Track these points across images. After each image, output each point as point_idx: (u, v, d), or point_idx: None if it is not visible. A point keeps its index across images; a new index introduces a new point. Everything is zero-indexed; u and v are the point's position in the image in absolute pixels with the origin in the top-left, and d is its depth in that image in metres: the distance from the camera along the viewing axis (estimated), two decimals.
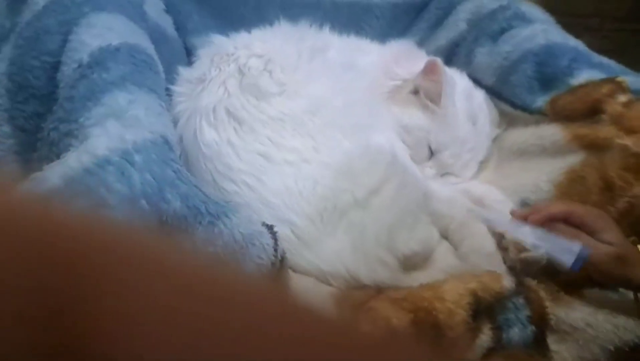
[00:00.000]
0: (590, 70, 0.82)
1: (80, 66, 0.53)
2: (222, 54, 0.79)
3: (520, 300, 0.58)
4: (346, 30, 0.93)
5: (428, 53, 0.96)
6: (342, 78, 0.81)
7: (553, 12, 1.29)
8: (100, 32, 0.57)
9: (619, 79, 0.79)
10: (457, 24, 0.97)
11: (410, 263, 0.74)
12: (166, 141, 0.48)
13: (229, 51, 0.79)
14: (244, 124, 0.72)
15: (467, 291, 0.57)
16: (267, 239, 0.56)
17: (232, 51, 0.79)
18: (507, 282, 0.60)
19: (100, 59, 0.53)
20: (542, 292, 0.61)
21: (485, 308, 0.57)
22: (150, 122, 0.48)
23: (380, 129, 0.80)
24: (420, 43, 1.01)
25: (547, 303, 0.60)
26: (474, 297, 0.57)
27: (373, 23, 1.00)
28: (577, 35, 1.38)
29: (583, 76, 0.82)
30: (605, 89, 0.78)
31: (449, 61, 0.97)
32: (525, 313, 0.58)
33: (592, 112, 0.79)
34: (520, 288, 0.60)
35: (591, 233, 0.61)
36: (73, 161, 0.44)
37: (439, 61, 0.84)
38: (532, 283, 0.62)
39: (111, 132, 0.45)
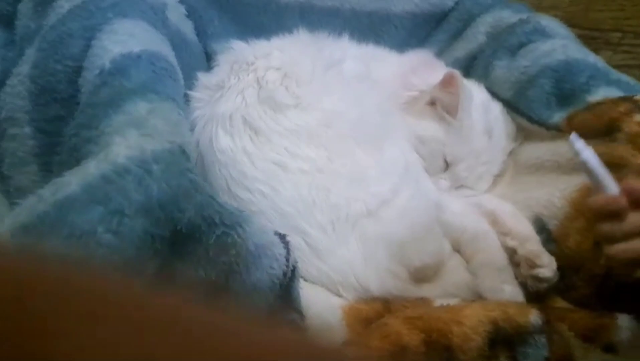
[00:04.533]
0: (608, 87, 0.82)
1: (101, 72, 0.54)
2: (241, 62, 0.80)
3: (542, 339, 0.57)
4: (365, 38, 0.93)
5: (446, 64, 0.96)
6: (357, 89, 0.82)
7: (574, 25, 1.28)
8: (122, 38, 0.58)
9: (637, 97, 0.78)
10: (476, 37, 0.97)
11: (421, 274, 0.74)
12: (183, 151, 0.49)
13: (249, 60, 0.80)
14: (260, 133, 0.73)
15: (488, 319, 0.56)
16: (280, 249, 0.56)
17: (252, 60, 0.80)
18: (534, 318, 0.58)
19: (122, 66, 0.54)
20: (572, 340, 0.58)
21: (504, 338, 0.57)
22: (168, 131, 0.49)
23: (395, 140, 0.81)
24: (439, 54, 1.01)
25: (576, 353, 0.58)
26: (494, 326, 0.56)
27: (392, 32, 1.00)
28: (597, 49, 1.38)
29: (601, 93, 0.81)
30: (622, 107, 0.77)
31: (467, 72, 0.97)
32: (543, 353, 0.56)
33: (609, 130, 0.78)
34: (545, 326, 0.58)
35: None
36: (93, 168, 0.45)
37: (457, 73, 0.84)
38: (563, 327, 0.60)
39: (131, 142, 0.46)
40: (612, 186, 0.58)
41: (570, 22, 1.28)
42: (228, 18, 0.90)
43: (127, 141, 0.46)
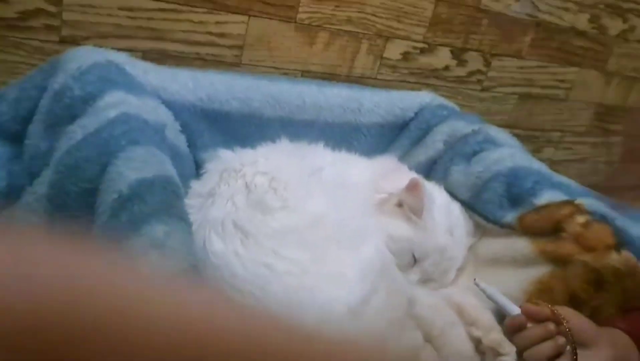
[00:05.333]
0: (552, 191, 0.94)
1: (120, 196, 0.62)
2: (230, 170, 0.89)
3: None
4: (338, 145, 1.04)
5: (409, 167, 1.08)
6: (337, 194, 0.91)
7: (519, 127, 1.44)
8: (136, 165, 0.66)
9: (578, 201, 0.91)
10: (434, 144, 1.10)
11: None
12: (195, 268, 0.56)
13: (236, 167, 0.89)
14: (250, 236, 0.80)
15: None
16: None
17: (239, 167, 0.89)
18: None
19: (138, 191, 0.62)
20: None
21: None
22: (183, 252, 0.56)
23: (370, 240, 0.89)
24: (402, 157, 1.13)
25: None
26: None
27: (361, 140, 1.12)
28: (540, 147, 1.54)
29: (545, 197, 0.93)
30: (565, 210, 0.89)
31: (428, 175, 1.09)
32: None
33: (556, 229, 0.90)
34: None
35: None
36: None
37: (420, 179, 0.95)
38: None
39: (153, 263, 0.53)
40: (513, 309, 0.77)
41: (515, 124, 1.45)
42: (216, 130, 0.99)
43: (150, 263, 0.53)
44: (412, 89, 1.21)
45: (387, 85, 1.21)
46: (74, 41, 0.91)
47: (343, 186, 0.96)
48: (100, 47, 0.89)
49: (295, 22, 1.06)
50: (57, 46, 0.89)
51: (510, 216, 0.95)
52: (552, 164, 1.57)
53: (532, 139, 1.49)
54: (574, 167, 1.60)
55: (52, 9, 0.88)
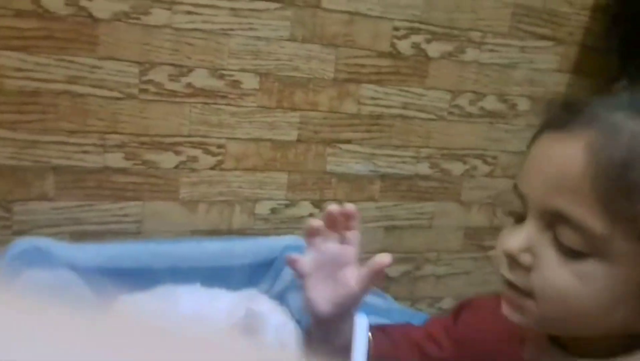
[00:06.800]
0: None
1: None
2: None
3: None
4: (218, 283, 1.44)
5: (272, 296, 1.46)
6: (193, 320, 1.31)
7: (393, 250, 1.78)
8: None
9: None
10: (285, 277, 1.48)
11: None
12: None
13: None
14: None
15: None
16: None
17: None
18: None
19: None
20: None
21: None
22: None
23: None
24: (270, 289, 1.51)
25: None
26: None
27: (235, 278, 1.51)
28: (419, 265, 1.85)
29: None
30: None
31: (284, 301, 1.46)
32: None
33: None
34: None
35: None
36: None
37: (255, 309, 1.33)
38: None
39: None
40: None
41: (388, 250, 1.79)
42: (116, 282, 1.43)
43: None
44: (285, 234, 1.61)
45: (263, 233, 1.62)
46: (23, 233, 1.40)
47: (201, 314, 1.35)
48: (40, 235, 1.38)
49: (179, 200, 1.53)
50: (11, 237, 1.38)
51: None
52: (437, 279, 1.89)
53: (409, 261, 1.82)
54: (462, 279, 1.90)
55: (6, 215, 1.39)
